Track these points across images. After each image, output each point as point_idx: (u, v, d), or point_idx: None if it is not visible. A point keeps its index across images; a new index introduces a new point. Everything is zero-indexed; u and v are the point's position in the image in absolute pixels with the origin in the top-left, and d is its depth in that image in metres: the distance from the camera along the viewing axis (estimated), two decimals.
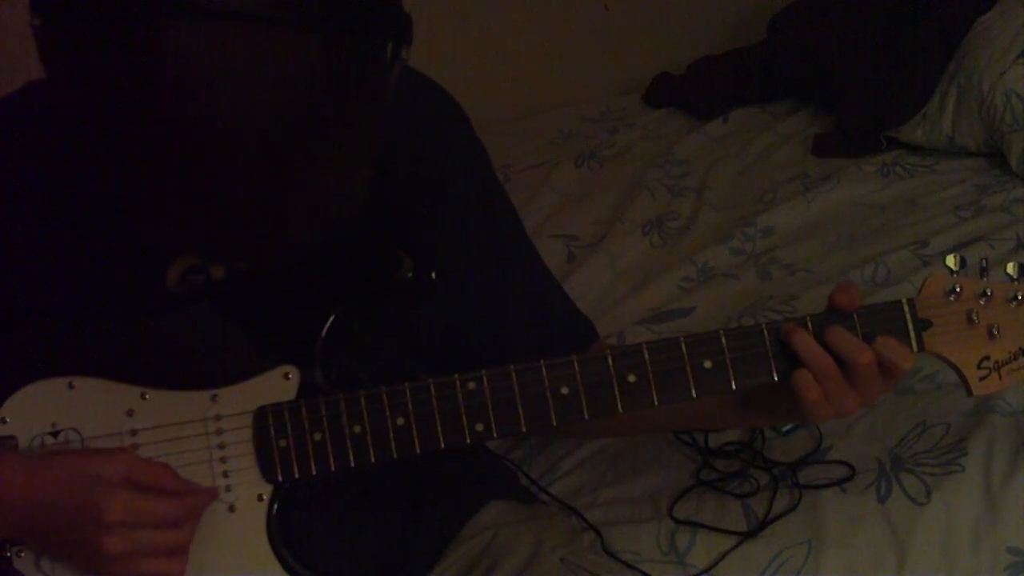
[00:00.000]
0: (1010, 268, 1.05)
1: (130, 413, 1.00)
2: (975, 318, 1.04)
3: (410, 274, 1.02)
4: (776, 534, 1.26)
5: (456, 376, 1.01)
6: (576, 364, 1.01)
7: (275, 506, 1.01)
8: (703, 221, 2.06)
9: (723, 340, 1.02)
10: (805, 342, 1.01)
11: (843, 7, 2.43)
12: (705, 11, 2.95)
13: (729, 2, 2.96)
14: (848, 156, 2.17)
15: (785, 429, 1.41)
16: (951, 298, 1.05)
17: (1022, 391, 1.36)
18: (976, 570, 1.20)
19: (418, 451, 1.01)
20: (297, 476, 1.00)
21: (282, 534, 1.01)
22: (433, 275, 1.03)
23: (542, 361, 1.01)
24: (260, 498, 1.01)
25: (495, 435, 1.01)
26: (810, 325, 1.03)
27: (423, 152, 1.11)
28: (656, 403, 1.02)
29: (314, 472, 1.00)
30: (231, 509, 1.01)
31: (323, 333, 1.01)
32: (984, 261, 1.06)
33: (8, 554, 0.99)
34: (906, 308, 1.04)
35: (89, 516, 0.93)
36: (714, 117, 2.46)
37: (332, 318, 1.02)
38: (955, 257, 1.05)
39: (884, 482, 1.29)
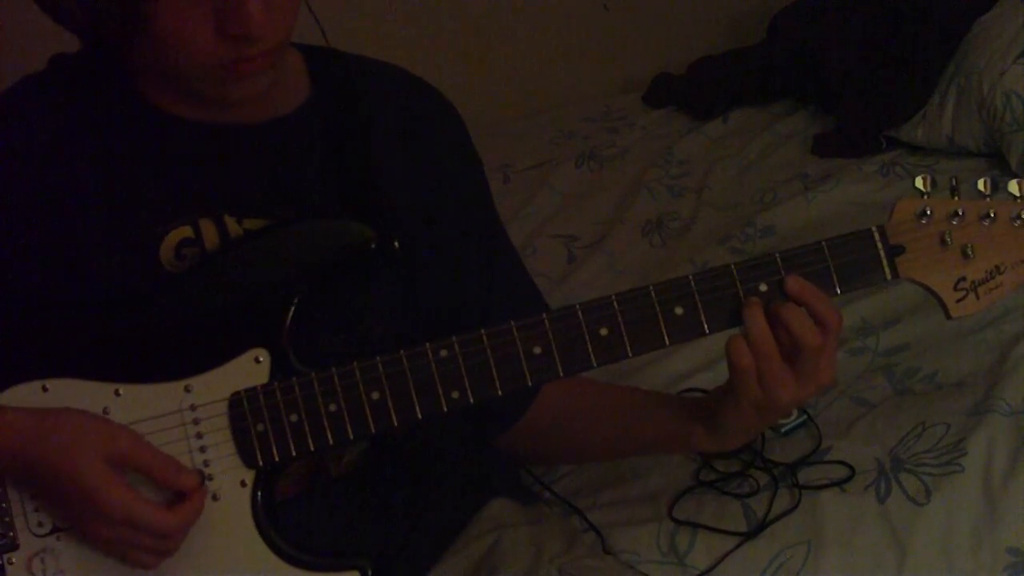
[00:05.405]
0: (981, 185, 1.02)
1: (106, 411, 1.00)
2: (948, 239, 1.01)
3: (373, 245, 1.02)
4: (776, 535, 1.26)
5: (427, 345, 1.00)
6: (547, 322, 1.00)
7: (258, 490, 1.01)
8: (703, 221, 2.06)
9: (693, 285, 1.01)
10: (754, 321, 0.99)
11: (843, 7, 2.42)
12: (705, 11, 2.95)
13: (729, 2, 2.96)
14: (848, 156, 2.16)
15: (785, 429, 1.40)
16: (923, 221, 1.02)
17: (1022, 390, 1.37)
18: (975, 570, 1.20)
19: (396, 424, 1.00)
20: (277, 459, 1.00)
21: (268, 517, 1.01)
22: (396, 244, 1.02)
23: (512, 322, 1.00)
24: (243, 484, 1.01)
25: (471, 400, 1.00)
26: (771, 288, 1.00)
27: (406, 141, 1.12)
28: (630, 354, 1.01)
29: (294, 453, 1.00)
30: (215, 498, 1.01)
31: (290, 312, 1.01)
32: (954, 180, 1.04)
33: (0, 562, 0.99)
34: (876, 235, 1.02)
35: (89, 502, 0.94)
36: (714, 117, 2.46)
37: (298, 297, 1.01)
38: (924, 178, 1.03)
39: (884, 482, 1.29)
